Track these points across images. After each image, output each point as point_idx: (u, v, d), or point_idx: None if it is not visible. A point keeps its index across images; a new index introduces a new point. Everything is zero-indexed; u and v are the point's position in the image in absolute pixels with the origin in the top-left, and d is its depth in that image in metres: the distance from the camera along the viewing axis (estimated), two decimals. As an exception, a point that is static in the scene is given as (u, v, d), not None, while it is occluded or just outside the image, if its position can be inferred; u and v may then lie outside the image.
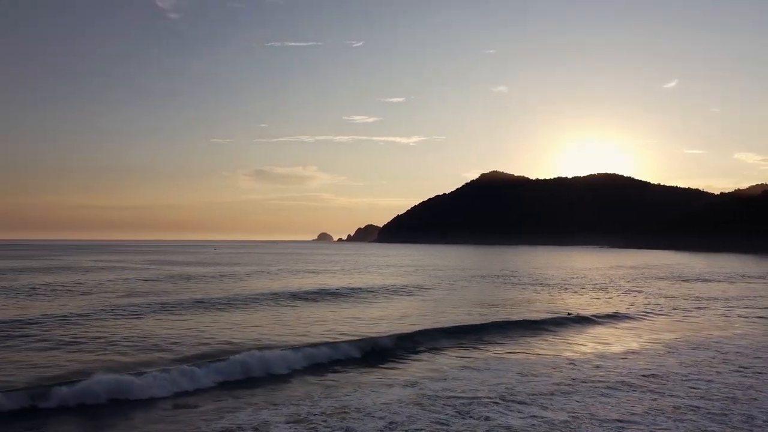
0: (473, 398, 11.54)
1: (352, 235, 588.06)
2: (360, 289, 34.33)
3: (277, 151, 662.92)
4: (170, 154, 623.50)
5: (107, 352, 15.52)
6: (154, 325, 20.12)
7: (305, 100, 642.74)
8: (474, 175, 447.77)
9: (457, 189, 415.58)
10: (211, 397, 12.05)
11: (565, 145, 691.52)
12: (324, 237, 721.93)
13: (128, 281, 39.24)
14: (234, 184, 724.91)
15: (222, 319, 21.84)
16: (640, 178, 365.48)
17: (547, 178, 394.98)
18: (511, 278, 46.15)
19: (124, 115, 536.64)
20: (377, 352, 16.30)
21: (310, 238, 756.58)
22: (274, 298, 28.80)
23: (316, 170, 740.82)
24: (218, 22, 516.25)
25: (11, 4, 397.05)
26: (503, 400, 11.41)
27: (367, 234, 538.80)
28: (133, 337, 17.60)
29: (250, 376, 13.57)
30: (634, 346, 17.59)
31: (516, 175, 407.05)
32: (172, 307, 24.51)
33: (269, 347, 15.82)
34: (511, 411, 10.68)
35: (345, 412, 10.62)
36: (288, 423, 10.07)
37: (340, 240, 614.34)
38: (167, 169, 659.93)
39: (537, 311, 25.41)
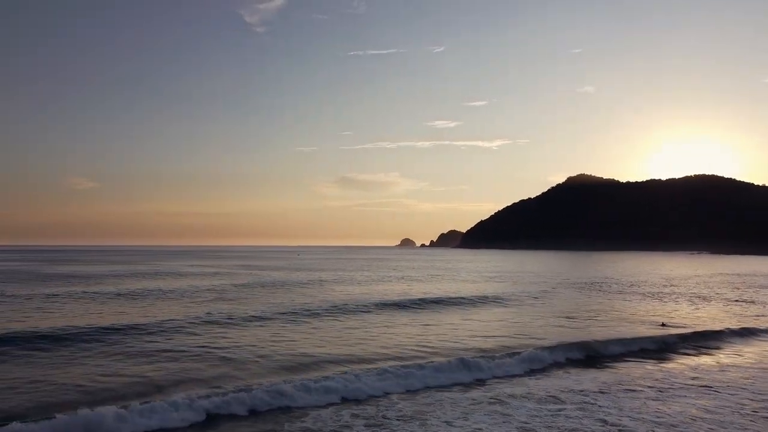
0: None
1: (434, 240, 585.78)
2: (464, 297, 32.84)
3: (360, 158, 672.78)
4: (257, 163, 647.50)
5: (261, 361, 15.04)
6: (301, 335, 19.67)
7: (387, 107, 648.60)
8: (560, 179, 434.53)
9: (542, 193, 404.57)
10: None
11: (658, 145, 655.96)
12: (407, 243, 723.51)
13: (224, 287, 39.78)
14: (318, 191, 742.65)
15: (347, 328, 21.13)
16: (743, 180, 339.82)
17: (639, 180, 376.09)
18: (615, 286, 43.08)
19: (213, 126, 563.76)
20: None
21: (393, 244, 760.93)
22: (381, 306, 27.89)
23: (398, 176, 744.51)
24: (303, 34, 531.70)
25: (110, 22, 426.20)
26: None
27: (449, 239, 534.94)
28: (285, 348, 17.11)
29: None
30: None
31: (605, 177, 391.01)
32: (308, 315, 24.16)
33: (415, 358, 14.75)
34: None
35: None
36: None
37: (422, 245, 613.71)
38: (255, 178, 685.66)
39: (644, 325, 22.98)
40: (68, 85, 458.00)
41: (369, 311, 26.09)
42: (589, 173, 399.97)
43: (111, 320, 21.67)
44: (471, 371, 14.26)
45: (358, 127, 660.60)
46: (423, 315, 25.56)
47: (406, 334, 20.09)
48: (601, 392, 12.53)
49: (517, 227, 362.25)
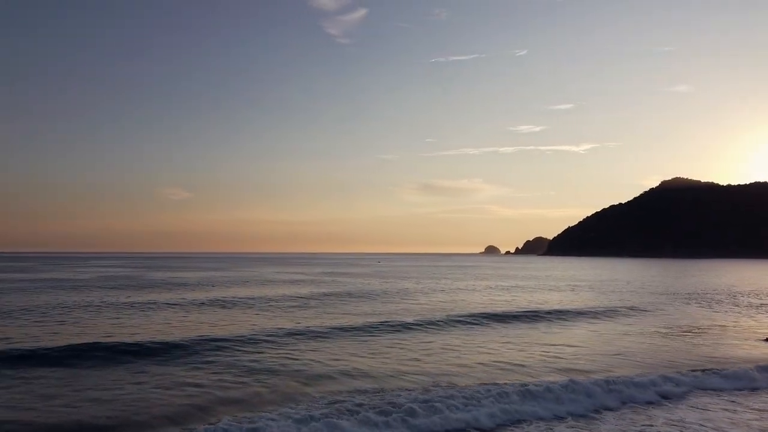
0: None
1: (520, 247, 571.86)
2: (568, 310, 30.60)
3: (443, 164, 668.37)
4: (342, 171, 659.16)
5: (417, 365, 14.18)
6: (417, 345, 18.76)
7: (470, 112, 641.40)
8: (653, 183, 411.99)
9: (634, 198, 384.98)
10: None
11: (760, 145, 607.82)
12: (491, 250, 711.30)
13: (310, 296, 39.53)
14: (401, 198, 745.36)
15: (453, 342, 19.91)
16: None
17: (742, 183, 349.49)
18: (727, 297, 39.09)
19: (299, 136, 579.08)
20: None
21: (477, 251, 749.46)
22: (474, 318, 26.27)
23: (482, 182, 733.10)
24: (385, 43, 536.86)
25: (197, 39, 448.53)
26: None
27: (535, 246, 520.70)
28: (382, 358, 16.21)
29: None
30: None
31: (703, 181, 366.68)
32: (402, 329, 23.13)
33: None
34: None
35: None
36: None
37: (507, 253, 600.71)
38: (339, 186, 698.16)
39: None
40: (163, 102, 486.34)
41: (464, 324, 24.52)
42: (685, 176, 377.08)
43: (202, 331, 21.49)
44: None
45: (440, 133, 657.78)
46: (529, 328, 23.77)
47: (522, 348, 18.47)
48: None
49: (607, 234, 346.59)
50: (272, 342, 19.00)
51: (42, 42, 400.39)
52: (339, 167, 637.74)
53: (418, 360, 16.49)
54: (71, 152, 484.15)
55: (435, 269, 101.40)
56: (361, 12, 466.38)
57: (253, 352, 17.22)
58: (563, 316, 27.64)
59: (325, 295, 39.13)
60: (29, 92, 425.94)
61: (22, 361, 15.57)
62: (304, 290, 43.39)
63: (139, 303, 32.01)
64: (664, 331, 23.18)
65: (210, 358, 16.27)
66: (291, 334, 20.52)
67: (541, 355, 17.53)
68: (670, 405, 12.25)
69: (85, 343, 17.44)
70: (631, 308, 31.66)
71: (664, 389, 13.14)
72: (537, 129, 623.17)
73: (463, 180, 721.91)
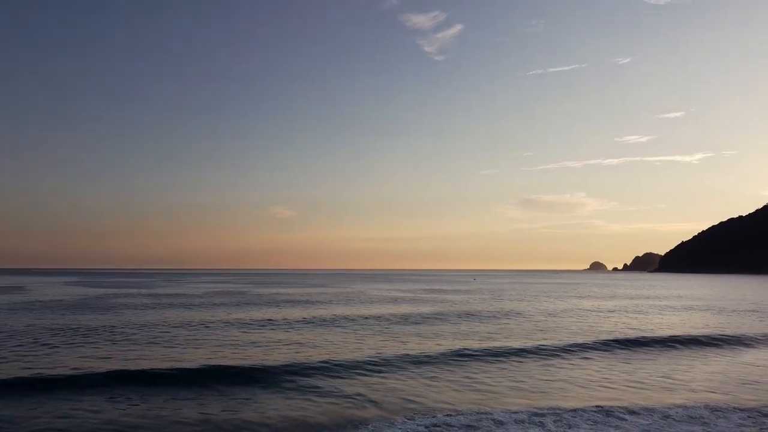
0: None
1: (628, 264, 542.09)
2: (701, 336, 28.07)
3: (543, 178, 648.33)
4: (441, 188, 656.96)
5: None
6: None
7: (570, 124, 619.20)
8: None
9: (756, 210, 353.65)
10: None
11: None
12: (597, 266, 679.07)
13: (412, 315, 38.99)
14: (501, 213, 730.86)
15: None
16: None
17: None
18: None
19: (397, 155, 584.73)
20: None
21: (582, 268, 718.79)
22: (588, 343, 24.54)
23: (585, 196, 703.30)
24: (481, 58, 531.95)
25: (302, 63, 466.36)
26: None
27: (645, 263, 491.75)
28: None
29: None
30: None
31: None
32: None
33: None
34: None
35: None
36: None
37: (615, 269, 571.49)
38: (438, 203, 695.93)
39: None
40: (268, 128, 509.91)
41: (580, 350, 22.92)
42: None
43: (310, 355, 21.43)
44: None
45: (540, 147, 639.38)
46: (667, 356, 21.83)
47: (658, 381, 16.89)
48: None
49: (725, 249, 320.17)
50: (396, 367, 18.53)
51: (154, 68, 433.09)
52: (436, 184, 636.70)
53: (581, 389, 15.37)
54: (187, 176, 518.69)
55: (536, 287, 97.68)
56: (457, 28, 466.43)
57: (371, 375, 16.84)
58: (703, 342, 25.17)
59: (431, 315, 38.39)
60: (154, 125, 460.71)
61: (151, 381, 16.09)
62: (408, 309, 42.93)
63: (255, 320, 32.89)
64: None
65: (324, 384, 16.03)
66: (415, 362, 19.60)
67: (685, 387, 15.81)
68: None
69: (219, 366, 17.75)
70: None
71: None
72: (644, 139, 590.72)
73: (565, 194, 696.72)
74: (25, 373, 16.44)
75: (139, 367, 17.28)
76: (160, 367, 17.42)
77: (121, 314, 36.64)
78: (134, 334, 26.09)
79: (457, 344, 23.14)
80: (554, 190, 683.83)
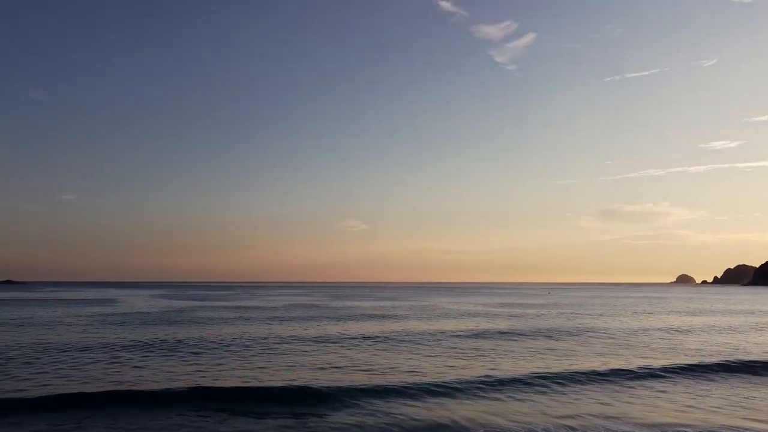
0: None
1: (718, 276, 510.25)
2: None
3: (624, 187, 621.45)
4: (515, 199, 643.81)
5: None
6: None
7: (652, 131, 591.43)
8: None
9: None
10: None
11: None
12: (684, 279, 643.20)
13: (494, 334, 37.78)
14: (579, 225, 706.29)
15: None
16: None
17: None
18: None
19: (469, 165, 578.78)
20: None
21: (668, 281, 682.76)
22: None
23: (669, 205, 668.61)
24: (555, 66, 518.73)
25: (379, 79, 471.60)
26: None
27: (738, 275, 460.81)
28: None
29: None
30: None
31: None
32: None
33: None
34: None
35: None
36: None
37: (704, 282, 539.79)
38: (512, 213, 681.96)
39: None
40: (343, 143, 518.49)
41: (688, 372, 21.14)
42: None
43: (388, 375, 20.90)
44: None
45: (619, 155, 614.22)
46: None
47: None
48: None
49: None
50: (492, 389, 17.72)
51: (246, 85, 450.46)
52: (513, 195, 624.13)
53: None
54: (262, 190, 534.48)
55: (619, 301, 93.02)
56: (529, 37, 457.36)
57: (455, 398, 16.12)
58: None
59: (509, 330, 37.02)
60: (239, 145, 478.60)
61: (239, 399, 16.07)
62: (484, 324, 41.65)
63: (331, 335, 32.85)
64: None
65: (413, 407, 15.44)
66: (498, 384, 18.64)
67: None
68: None
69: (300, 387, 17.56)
70: None
71: None
72: (733, 144, 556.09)
73: (648, 204, 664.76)
74: (109, 387, 16.87)
75: (219, 384, 17.33)
76: (239, 384, 17.41)
77: (202, 327, 37.59)
78: (215, 348, 26.51)
79: (546, 364, 21.96)
80: (636, 200, 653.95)
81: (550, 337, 33.12)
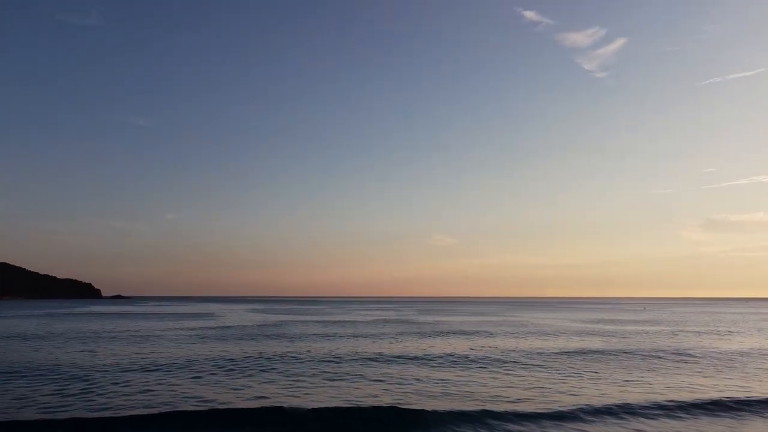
0: None
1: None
2: None
3: (730, 196, 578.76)
4: (606, 210, 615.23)
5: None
6: None
7: (759, 135, 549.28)
8: None
9: None
10: None
11: None
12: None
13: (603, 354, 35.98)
14: (679, 236, 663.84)
15: None
16: None
17: None
18: None
19: (558, 174, 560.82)
20: None
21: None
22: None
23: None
24: (649, 70, 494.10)
25: (459, 90, 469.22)
26: None
27: None
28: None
29: None
30: None
31: None
32: None
33: None
34: None
35: None
36: None
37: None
38: (602, 226, 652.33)
39: None
40: (429, 155, 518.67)
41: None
42: None
43: (478, 399, 20.25)
44: None
45: (724, 161, 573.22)
46: None
47: None
48: None
49: None
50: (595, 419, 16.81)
51: (340, 100, 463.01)
52: (604, 206, 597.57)
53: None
54: (353, 207, 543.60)
55: (727, 317, 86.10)
56: (619, 42, 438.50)
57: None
58: None
59: (609, 350, 35.07)
60: (331, 163, 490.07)
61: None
62: (579, 342, 39.73)
63: (420, 352, 32.49)
64: None
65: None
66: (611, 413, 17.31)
67: None
68: None
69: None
70: None
71: None
72: None
73: (758, 213, 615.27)
74: (202, 406, 17.31)
75: (312, 405, 17.35)
76: (333, 404, 17.40)
77: (293, 342, 38.37)
78: (306, 362, 26.82)
79: (652, 389, 20.52)
80: (744, 209, 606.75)
81: (650, 357, 31.05)
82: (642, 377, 23.38)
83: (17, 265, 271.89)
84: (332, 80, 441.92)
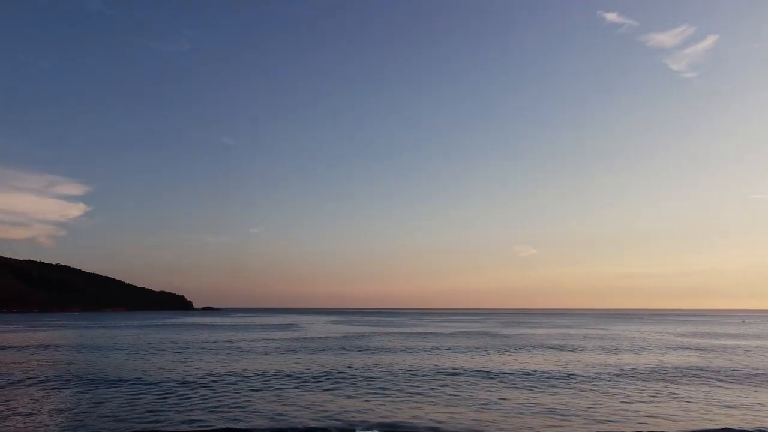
0: None
1: None
2: None
3: None
4: (695, 217, 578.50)
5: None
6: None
7: None
8: None
9: None
10: None
11: None
12: None
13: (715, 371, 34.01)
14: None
15: None
16: None
17: None
18: None
19: (643, 179, 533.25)
20: None
21: None
22: None
23: None
24: (744, 69, 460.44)
25: (534, 95, 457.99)
26: None
27: None
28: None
29: None
30: None
31: None
32: None
33: None
34: None
35: None
36: None
37: None
38: (693, 233, 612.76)
39: None
40: (507, 165, 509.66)
41: None
42: None
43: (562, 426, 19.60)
44: None
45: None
46: None
47: None
48: None
49: None
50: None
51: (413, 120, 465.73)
52: (692, 212, 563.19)
53: None
54: (431, 218, 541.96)
55: None
56: (710, 40, 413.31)
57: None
58: None
59: (713, 368, 33.03)
60: (411, 174, 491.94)
61: None
62: (674, 357, 37.56)
63: (507, 368, 31.90)
64: None
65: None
66: None
67: None
68: None
69: None
70: None
71: None
72: None
73: None
74: (266, 423, 17.60)
75: (394, 427, 17.40)
76: (398, 422, 17.27)
77: (374, 355, 38.68)
78: (385, 377, 26.90)
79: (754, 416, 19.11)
80: None
81: (755, 375, 28.91)
82: (745, 399, 21.82)
83: (118, 278, 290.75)
84: (413, 101, 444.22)
